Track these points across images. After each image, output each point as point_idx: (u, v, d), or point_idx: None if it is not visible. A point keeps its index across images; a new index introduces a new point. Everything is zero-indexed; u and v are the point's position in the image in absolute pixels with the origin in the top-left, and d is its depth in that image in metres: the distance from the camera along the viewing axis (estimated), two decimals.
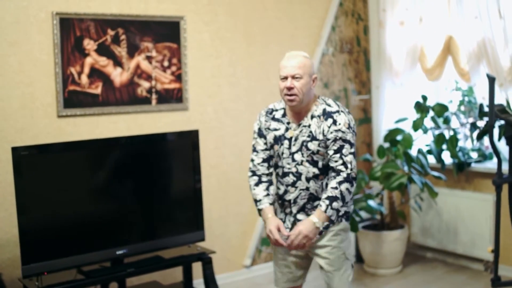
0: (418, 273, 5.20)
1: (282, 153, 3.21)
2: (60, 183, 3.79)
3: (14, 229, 3.70)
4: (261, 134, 3.29)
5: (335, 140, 3.10)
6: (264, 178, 3.29)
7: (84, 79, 4.33)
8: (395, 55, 5.54)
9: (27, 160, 3.61)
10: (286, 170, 3.21)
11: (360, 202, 5.01)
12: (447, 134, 5.22)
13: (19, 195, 3.57)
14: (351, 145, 3.13)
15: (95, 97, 4.39)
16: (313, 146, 3.13)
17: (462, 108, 5.50)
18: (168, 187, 4.26)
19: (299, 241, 3.08)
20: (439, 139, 5.10)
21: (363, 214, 5.37)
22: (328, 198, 3.09)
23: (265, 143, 3.27)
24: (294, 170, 3.19)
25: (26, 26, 4.11)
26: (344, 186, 3.09)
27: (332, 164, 3.13)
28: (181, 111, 4.78)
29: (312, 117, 3.17)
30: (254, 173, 3.31)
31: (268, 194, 3.26)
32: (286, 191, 3.23)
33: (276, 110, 3.30)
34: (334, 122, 3.11)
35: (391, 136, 5.29)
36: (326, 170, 3.18)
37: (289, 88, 3.10)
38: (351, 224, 4.89)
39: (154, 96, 4.64)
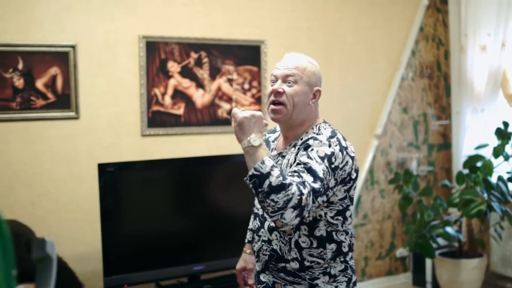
0: None
1: None
2: (142, 200, 3.94)
3: (97, 243, 3.86)
4: None
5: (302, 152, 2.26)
6: (258, 210, 2.53)
7: (168, 100, 4.49)
8: (476, 80, 5.47)
9: (112, 176, 3.78)
10: (255, 210, 2.57)
11: (438, 229, 4.94)
12: None
13: (103, 210, 3.73)
14: (322, 160, 2.17)
15: (178, 118, 4.54)
16: None
17: None
18: (245, 206, 4.33)
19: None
20: None
21: (441, 241, 5.28)
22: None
23: None
24: (260, 212, 2.47)
25: (114, 49, 4.31)
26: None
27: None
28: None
29: (295, 145, 2.35)
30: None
31: (251, 228, 2.73)
32: (254, 238, 2.53)
33: (273, 132, 2.58)
34: (307, 147, 2.26)
35: (470, 162, 5.21)
36: (300, 226, 2.31)
37: (276, 93, 2.29)
38: (426, 250, 4.85)
39: None
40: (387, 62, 5.54)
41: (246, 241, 2.74)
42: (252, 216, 2.65)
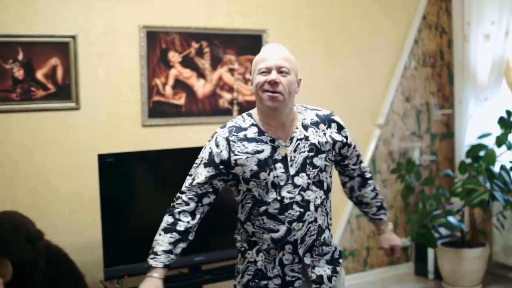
0: None
1: (278, 181, 2.41)
2: (142, 190, 3.94)
3: (98, 233, 3.85)
4: (211, 163, 2.46)
5: (354, 146, 2.66)
6: (180, 226, 2.51)
7: (168, 90, 4.47)
8: (479, 69, 5.44)
9: (112, 167, 3.77)
10: (287, 201, 2.42)
11: (440, 218, 4.93)
12: None
13: (104, 201, 3.73)
14: None
15: (179, 108, 4.52)
16: (320, 162, 2.48)
17: None
18: None
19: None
20: None
21: (443, 230, 5.27)
22: (382, 207, 2.80)
23: (214, 175, 2.47)
24: (299, 198, 2.44)
25: (114, 39, 4.29)
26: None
27: (358, 172, 2.72)
28: None
29: (305, 126, 2.52)
30: (171, 212, 2.53)
31: (171, 251, 2.50)
32: (290, 231, 2.44)
33: (245, 129, 2.48)
34: (341, 126, 2.61)
35: (473, 151, 5.19)
36: (328, 193, 2.55)
37: (274, 83, 2.37)
38: (428, 239, 4.85)
39: (235, 108, 4.74)
40: (390, 51, 5.51)
41: (156, 264, 2.45)
42: (175, 235, 2.50)
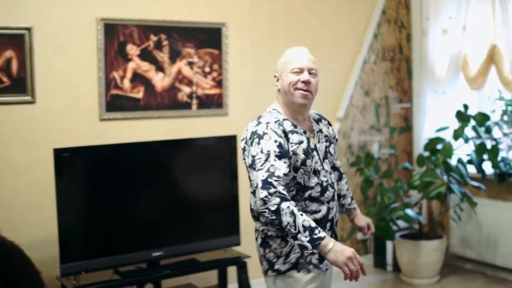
0: (456, 284, 5.15)
1: (317, 168, 2.68)
2: (100, 185, 3.89)
3: (54, 229, 3.80)
4: (285, 154, 2.55)
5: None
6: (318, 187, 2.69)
7: (127, 83, 4.43)
8: (437, 64, 5.50)
9: (68, 161, 3.72)
10: (325, 184, 2.69)
11: (398, 211, 4.98)
12: (489, 144, 5.15)
13: (60, 196, 3.67)
14: None
15: (137, 101, 4.48)
16: (332, 150, 2.83)
17: (505, 118, 5.42)
18: (206, 191, 4.32)
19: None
20: (480, 149, 5.04)
21: (401, 223, 5.33)
22: (352, 197, 3.15)
23: (289, 165, 2.57)
24: (330, 181, 2.74)
25: (71, 31, 4.23)
26: None
27: (336, 166, 3.06)
28: (221, 116, 4.84)
29: (316, 121, 2.86)
30: (285, 198, 2.44)
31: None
32: (329, 210, 2.70)
33: (282, 122, 2.66)
34: (330, 123, 2.98)
35: (431, 145, 5.25)
36: None
37: (307, 83, 2.65)
38: (387, 232, 4.90)
39: (194, 101, 4.71)
40: (350, 45, 5.53)
41: (325, 234, 2.42)
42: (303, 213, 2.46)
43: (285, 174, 2.49)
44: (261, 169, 2.48)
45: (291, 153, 2.58)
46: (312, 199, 2.64)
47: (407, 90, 5.90)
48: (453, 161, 5.17)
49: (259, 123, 2.62)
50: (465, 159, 5.20)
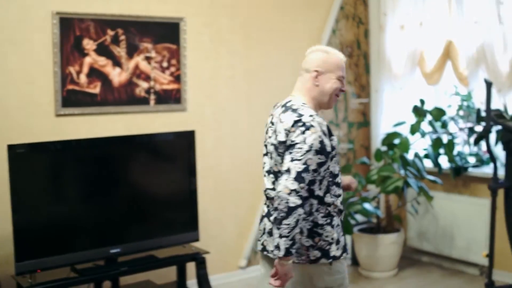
0: (413, 276, 5.21)
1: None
2: (55, 182, 3.83)
3: (9, 226, 3.72)
4: (321, 151, 2.63)
5: None
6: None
7: (83, 78, 4.37)
8: (395, 59, 5.55)
9: (23, 158, 3.65)
10: (340, 172, 2.87)
11: (356, 205, 5.03)
12: (445, 138, 5.22)
13: (14, 193, 3.61)
14: None
15: (94, 97, 4.42)
16: None
17: (461, 113, 5.51)
18: (164, 187, 4.29)
19: None
20: (436, 143, 5.12)
21: (359, 217, 5.38)
22: None
23: (322, 162, 2.66)
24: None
25: (27, 25, 4.15)
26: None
27: None
28: (179, 111, 4.81)
29: None
30: (304, 203, 2.59)
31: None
32: (342, 194, 2.88)
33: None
34: None
35: (388, 139, 5.31)
36: None
37: (343, 91, 2.88)
38: (345, 226, 4.93)
39: (152, 97, 4.67)
40: (309, 40, 5.54)
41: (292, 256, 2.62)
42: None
43: (314, 170, 2.60)
44: (299, 160, 2.56)
45: (331, 148, 2.70)
46: (337, 185, 2.77)
47: (365, 86, 5.94)
48: (410, 156, 5.24)
49: (300, 114, 2.65)
50: (421, 153, 5.27)
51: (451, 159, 5.09)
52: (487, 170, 5.07)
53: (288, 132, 2.64)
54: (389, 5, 5.56)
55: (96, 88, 4.43)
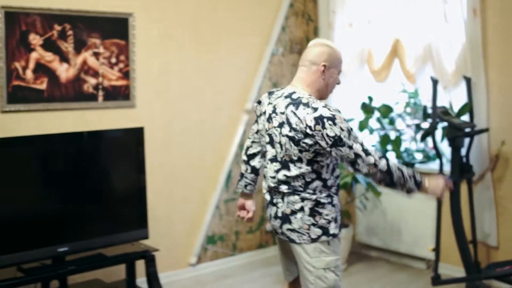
0: (362, 271, 5.28)
1: None
2: (0, 179, 3.75)
3: None
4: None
5: None
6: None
7: (29, 74, 4.28)
8: (343, 56, 5.57)
9: None
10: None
11: None
12: (393, 135, 5.30)
13: None
14: None
15: (40, 93, 4.34)
16: None
17: (408, 109, 5.60)
18: (112, 184, 4.25)
19: None
20: (384, 140, 5.18)
21: None
22: None
23: None
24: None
25: None
26: None
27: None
28: (128, 108, 4.76)
29: None
30: (386, 158, 2.91)
31: None
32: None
33: None
34: None
35: None
36: None
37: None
38: None
39: (100, 93, 4.61)
40: (258, 37, 5.56)
41: (421, 177, 2.94)
42: None
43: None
44: (355, 142, 2.76)
45: None
46: (338, 165, 3.01)
47: None
48: None
49: (314, 108, 2.75)
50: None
51: (398, 155, 5.16)
52: (434, 166, 5.17)
53: (312, 130, 2.74)
54: (338, 3, 5.61)
55: (42, 84, 4.35)
